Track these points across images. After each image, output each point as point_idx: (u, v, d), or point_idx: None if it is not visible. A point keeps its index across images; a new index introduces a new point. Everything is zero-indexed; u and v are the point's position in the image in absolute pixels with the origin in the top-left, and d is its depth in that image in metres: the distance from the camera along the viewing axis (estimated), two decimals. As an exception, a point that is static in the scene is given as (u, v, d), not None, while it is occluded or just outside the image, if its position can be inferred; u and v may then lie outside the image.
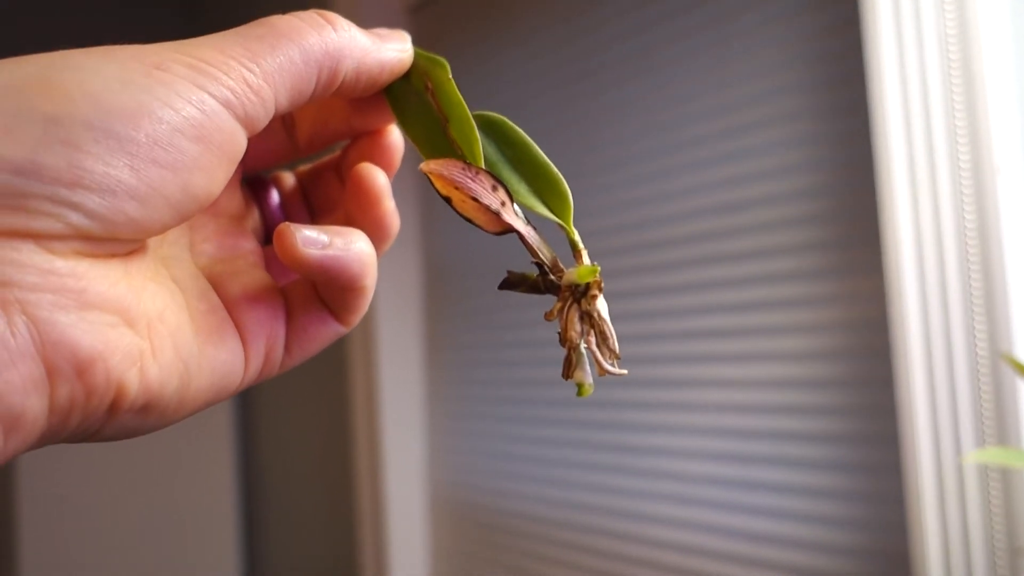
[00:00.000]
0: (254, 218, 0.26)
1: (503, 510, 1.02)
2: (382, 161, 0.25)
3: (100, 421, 0.18)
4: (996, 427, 0.56)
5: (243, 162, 0.24)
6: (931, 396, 0.58)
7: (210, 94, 0.18)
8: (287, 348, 0.23)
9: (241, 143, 0.19)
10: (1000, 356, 0.55)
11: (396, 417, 1.13)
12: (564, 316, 0.18)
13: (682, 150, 0.81)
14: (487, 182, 0.18)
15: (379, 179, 0.24)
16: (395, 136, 0.25)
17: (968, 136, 0.57)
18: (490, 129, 0.22)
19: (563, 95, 0.94)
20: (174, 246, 0.22)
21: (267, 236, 0.26)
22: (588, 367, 0.18)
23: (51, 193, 0.16)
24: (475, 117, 0.21)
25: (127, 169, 0.17)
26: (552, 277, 0.18)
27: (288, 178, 0.27)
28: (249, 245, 0.24)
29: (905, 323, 0.59)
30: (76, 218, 0.17)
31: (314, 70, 0.20)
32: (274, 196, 0.26)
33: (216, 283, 0.22)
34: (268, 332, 0.22)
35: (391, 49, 0.22)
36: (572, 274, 0.18)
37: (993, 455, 0.52)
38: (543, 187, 0.20)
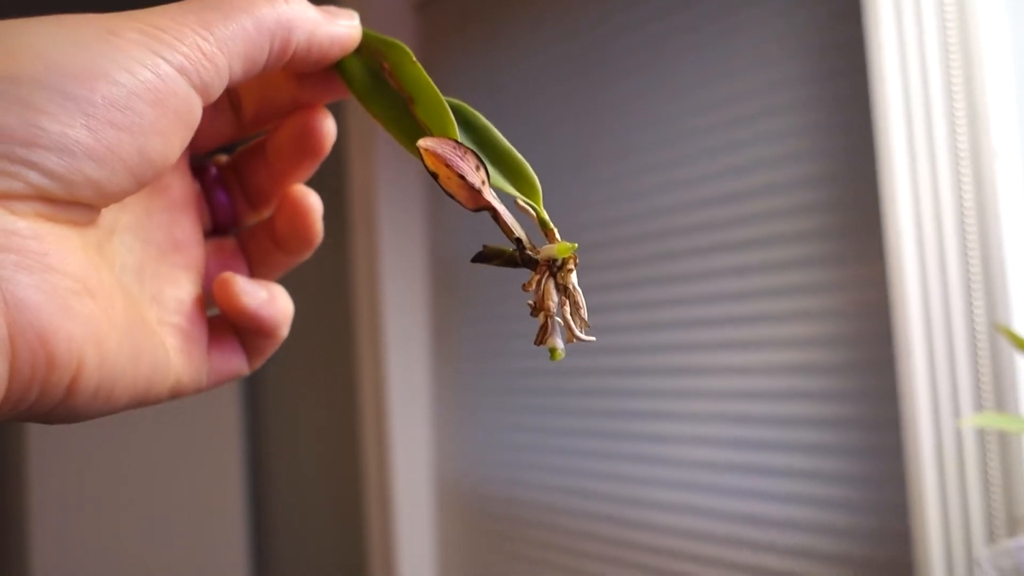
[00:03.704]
0: (202, 206, 0.26)
1: (510, 499, 1.03)
2: (311, 143, 0.25)
3: (57, 398, 0.18)
4: (995, 404, 0.56)
5: (191, 144, 0.25)
6: (931, 379, 0.59)
7: (165, 60, 0.19)
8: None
9: (197, 110, 0.20)
10: (996, 327, 0.56)
11: (403, 408, 1.14)
12: (541, 288, 0.20)
13: (687, 140, 0.82)
14: (472, 162, 0.19)
15: (314, 202, 0.25)
16: (327, 123, 0.25)
17: (967, 122, 0.58)
18: (453, 114, 0.22)
19: (569, 87, 0.95)
20: (126, 233, 0.22)
21: (213, 224, 0.27)
22: (560, 334, 0.20)
23: (7, 151, 0.16)
24: None
25: (84, 130, 0.17)
26: (529, 252, 0.20)
27: (227, 162, 0.27)
28: (195, 243, 0.24)
29: (906, 308, 0.60)
30: (35, 177, 0.17)
31: (266, 39, 0.21)
32: (216, 178, 0.27)
33: (155, 292, 0.22)
34: (191, 351, 0.23)
35: (341, 24, 0.23)
36: (552, 250, 0.20)
37: (990, 420, 0.53)
38: (508, 172, 0.21)
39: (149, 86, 0.18)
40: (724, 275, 0.78)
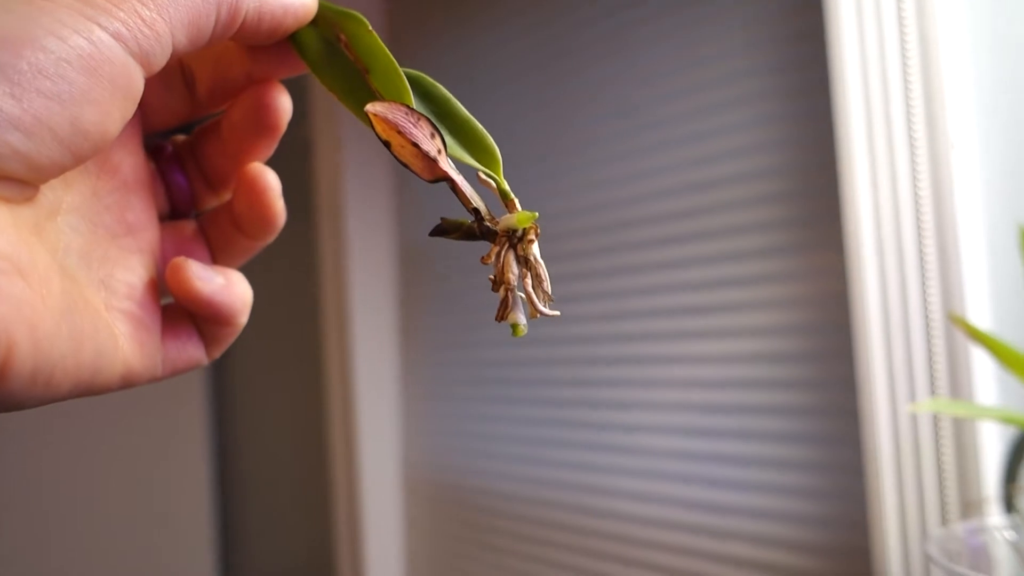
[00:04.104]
0: (159, 188, 0.25)
1: (477, 488, 1.03)
2: (266, 119, 0.24)
3: None
4: (949, 392, 0.57)
5: (145, 124, 0.24)
6: (888, 367, 0.60)
7: (99, 25, 0.18)
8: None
9: (137, 81, 0.19)
10: (950, 317, 0.57)
11: (371, 398, 1.14)
12: (501, 260, 0.19)
13: (650, 130, 0.82)
14: (427, 129, 0.19)
15: (271, 181, 0.24)
16: (281, 98, 0.24)
17: (924, 114, 0.59)
18: (411, 85, 0.21)
19: (536, 78, 0.94)
20: (71, 214, 0.21)
21: (171, 207, 0.25)
22: (522, 309, 0.19)
23: None
24: None
25: (9, 98, 0.16)
26: (488, 223, 0.19)
27: (183, 142, 0.26)
28: (148, 226, 0.23)
29: (863, 297, 0.61)
30: None
31: (212, 6, 0.20)
32: (172, 159, 0.25)
33: (104, 276, 0.21)
34: (143, 339, 0.22)
35: None
36: (511, 219, 0.19)
37: (942, 405, 0.54)
38: (468, 143, 0.20)
39: (81, 52, 0.17)
40: (687, 265, 0.78)
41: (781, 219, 0.72)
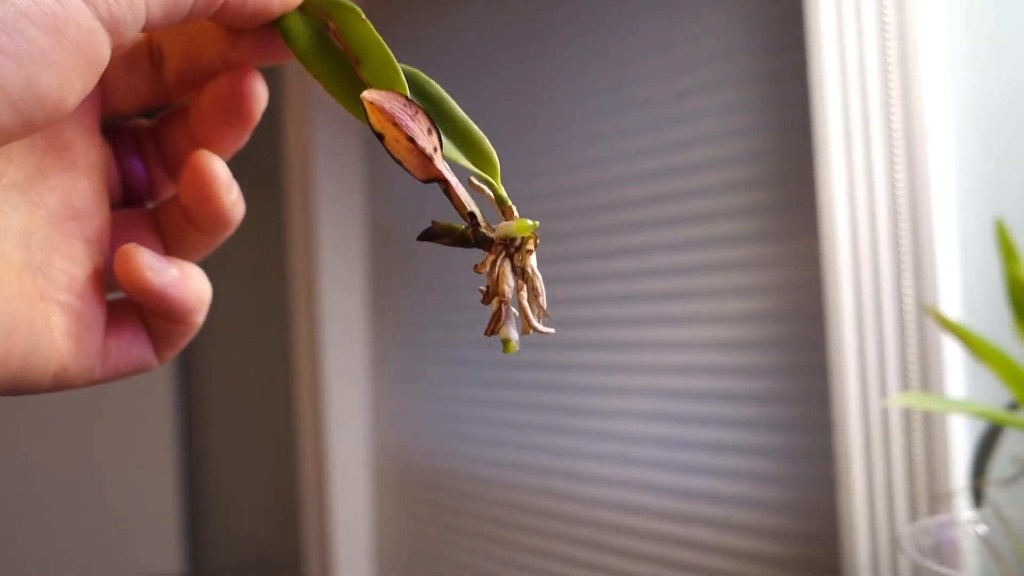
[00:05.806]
0: (113, 173, 0.23)
1: (447, 471, 1.02)
2: (239, 108, 0.22)
3: None
4: (920, 383, 0.58)
5: (104, 106, 0.22)
6: (860, 356, 0.60)
7: None
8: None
9: (103, 50, 0.17)
10: (924, 308, 0.57)
11: (340, 380, 1.12)
12: (496, 270, 0.17)
13: (626, 113, 0.80)
14: (424, 124, 0.17)
15: (218, 171, 0.21)
16: (257, 85, 0.22)
17: (901, 103, 0.58)
18: (406, 83, 0.20)
19: (510, 57, 0.92)
20: (10, 191, 0.19)
21: (124, 195, 0.24)
22: (515, 323, 0.18)
23: None
24: None
25: None
26: (484, 230, 0.18)
27: (146, 127, 0.24)
28: (97, 213, 0.21)
29: (837, 285, 0.61)
30: None
31: None
32: (132, 143, 0.24)
33: (42, 263, 0.19)
34: (82, 335, 0.20)
35: None
36: (509, 227, 0.18)
37: (915, 399, 0.54)
38: (465, 146, 0.19)
39: (45, 9, 0.16)
40: (660, 250, 0.78)
41: (756, 205, 0.71)
